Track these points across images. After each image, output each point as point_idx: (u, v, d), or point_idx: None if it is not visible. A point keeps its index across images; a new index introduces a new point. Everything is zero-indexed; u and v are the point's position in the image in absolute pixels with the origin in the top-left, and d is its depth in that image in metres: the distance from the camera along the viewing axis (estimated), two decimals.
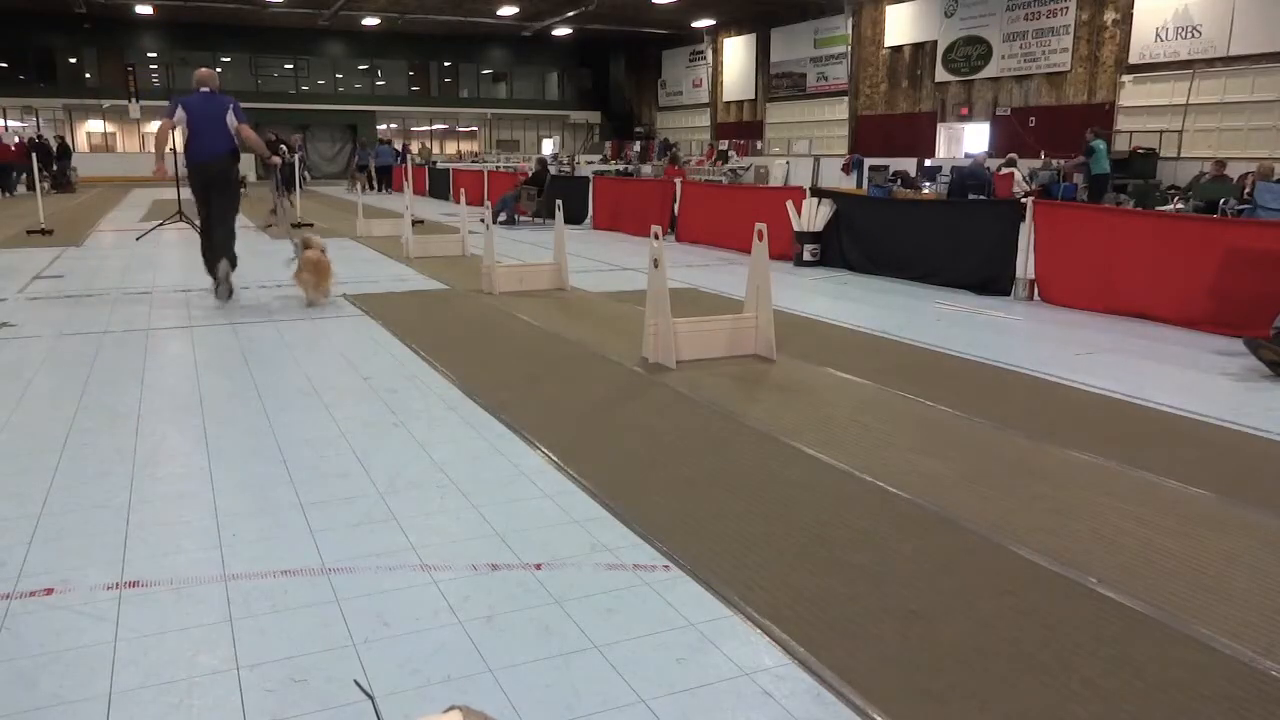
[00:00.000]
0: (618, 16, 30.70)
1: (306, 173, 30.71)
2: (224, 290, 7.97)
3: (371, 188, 25.88)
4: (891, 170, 22.26)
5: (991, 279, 8.60)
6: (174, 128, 7.69)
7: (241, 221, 9.28)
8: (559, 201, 9.04)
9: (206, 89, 7.73)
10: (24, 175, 23.96)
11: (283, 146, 17.00)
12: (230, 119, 7.60)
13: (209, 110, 7.60)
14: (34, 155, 18.46)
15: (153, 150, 8.05)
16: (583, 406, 4.82)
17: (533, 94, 41.27)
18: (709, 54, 34.58)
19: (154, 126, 33.86)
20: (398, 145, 29.20)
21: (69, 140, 30.36)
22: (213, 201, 7.80)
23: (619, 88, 41.00)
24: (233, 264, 8.01)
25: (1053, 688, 2.28)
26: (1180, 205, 13.66)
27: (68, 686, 2.27)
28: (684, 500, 3.49)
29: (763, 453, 4.05)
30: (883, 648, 2.46)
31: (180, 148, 8.32)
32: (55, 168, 25.37)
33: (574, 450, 4.05)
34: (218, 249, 7.88)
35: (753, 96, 32.69)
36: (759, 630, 2.55)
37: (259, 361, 5.76)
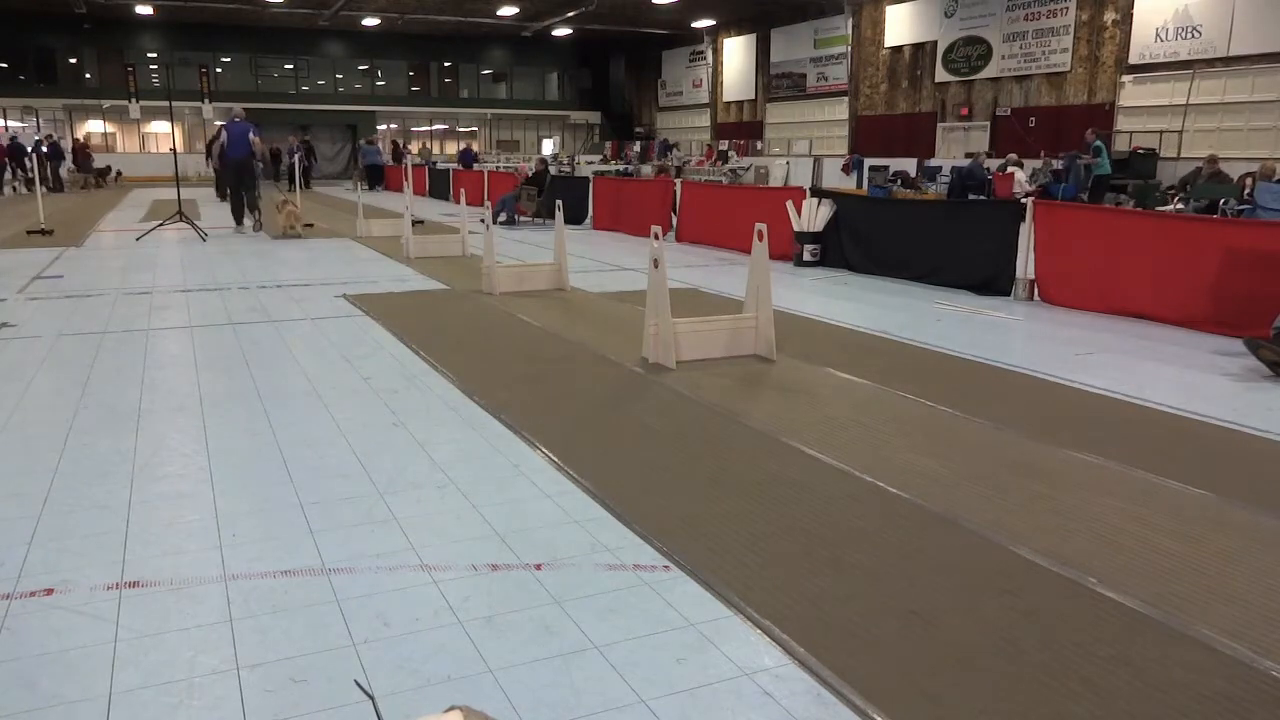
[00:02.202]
0: (618, 16, 30.69)
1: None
2: (248, 226, 14.01)
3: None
4: (891, 170, 22.26)
5: (991, 279, 8.60)
6: (217, 142, 13.86)
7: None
8: (559, 202, 9.04)
9: (238, 119, 13.59)
10: (14, 175, 24.59)
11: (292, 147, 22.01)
12: (250, 136, 13.44)
13: (237, 132, 13.43)
14: (33, 156, 18.48)
15: (203, 151, 17.42)
16: (583, 406, 4.82)
17: (533, 94, 41.24)
18: (709, 54, 34.57)
19: (154, 127, 34.39)
20: (385, 145, 29.56)
21: (66, 140, 30.46)
22: (240, 181, 14.08)
23: (619, 88, 40.98)
24: (255, 211, 14.00)
25: (1053, 688, 2.28)
26: (1180, 205, 13.63)
27: (68, 686, 2.27)
28: (684, 500, 3.49)
29: (763, 453, 4.05)
30: (883, 648, 2.46)
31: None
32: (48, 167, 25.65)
33: (574, 450, 4.05)
34: (241, 207, 14.05)
35: (753, 97, 32.68)
36: (759, 630, 2.55)
37: (259, 361, 5.76)
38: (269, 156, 30.53)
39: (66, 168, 27.12)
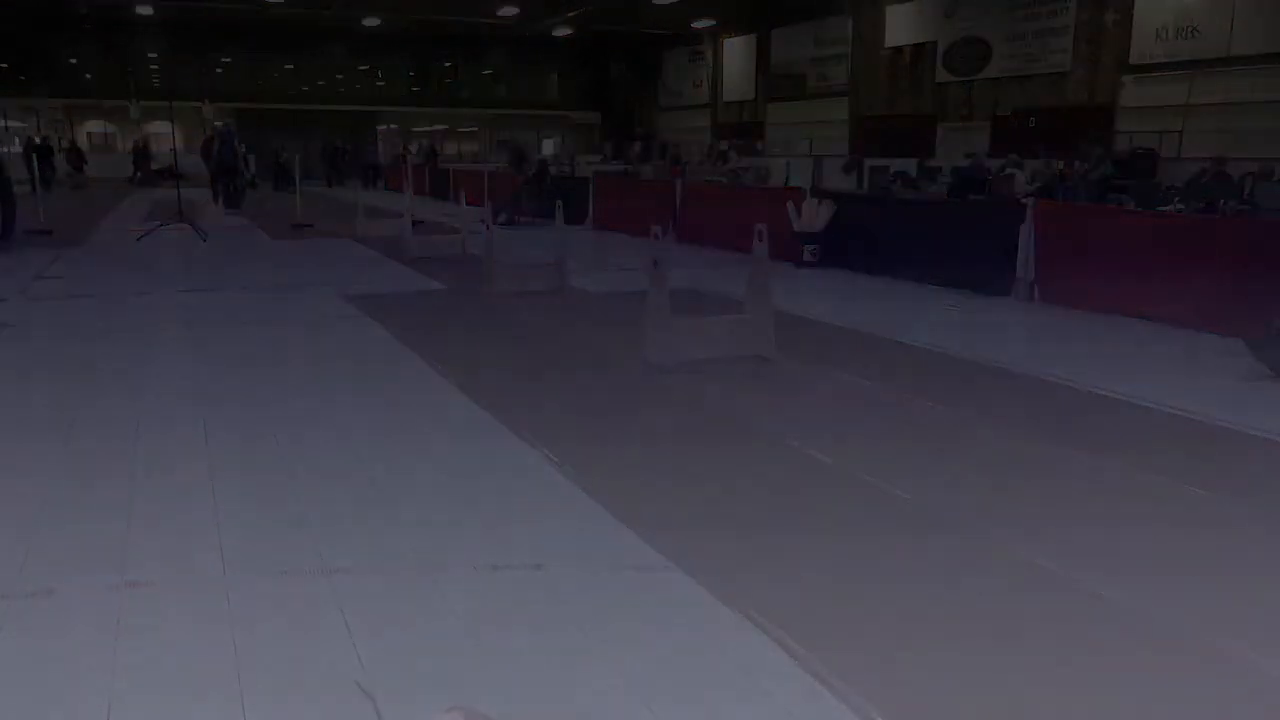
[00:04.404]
0: (618, 16, 30.68)
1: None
2: (227, 208, 17.73)
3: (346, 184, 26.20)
4: (892, 170, 22.23)
5: (991, 279, 8.59)
6: (212, 146, 18.74)
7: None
8: (559, 201, 9.03)
9: (228, 129, 19.61)
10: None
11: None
12: (234, 141, 18.76)
13: (226, 138, 18.64)
14: (34, 155, 18.68)
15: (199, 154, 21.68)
16: (583, 406, 4.82)
17: (533, 94, 41.24)
18: (709, 54, 34.55)
19: (154, 128, 34.43)
20: (387, 146, 29.85)
21: (57, 141, 30.54)
22: (225, 176, 18.55)
23: (619, 88, 40.97)
24: (238, 197, 18.41)
25: (1052, 687, 2.28)
26: (1180, 205, 13.61)
27: (68, 686, 2.27)
28: (684, 500, 3.49)
29: (762, 453, 4.05)
30: (883, 648, 2.46)
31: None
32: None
33: (574, 450, 4.05)
34: (225, 194, 18.41)
35: (753, 97, 32.65)
36: (759, 630, 2.55)
37: (258, 361, 5.76)
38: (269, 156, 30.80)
39: (67, 171, 27.25)
